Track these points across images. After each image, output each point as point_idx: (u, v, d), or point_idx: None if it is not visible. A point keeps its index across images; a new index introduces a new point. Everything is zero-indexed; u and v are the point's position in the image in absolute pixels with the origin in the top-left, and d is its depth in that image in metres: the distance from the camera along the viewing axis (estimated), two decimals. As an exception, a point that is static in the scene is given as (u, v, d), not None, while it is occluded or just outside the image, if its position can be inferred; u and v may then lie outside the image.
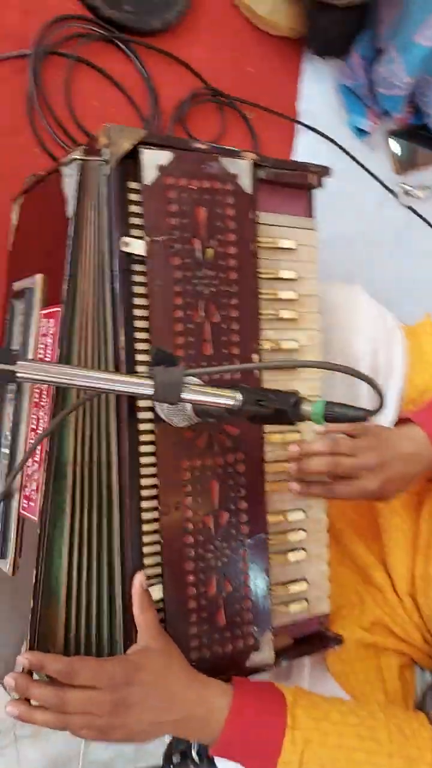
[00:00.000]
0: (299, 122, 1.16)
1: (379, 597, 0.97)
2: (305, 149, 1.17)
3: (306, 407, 0.58)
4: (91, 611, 0.68)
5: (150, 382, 0.50)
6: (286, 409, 0.58)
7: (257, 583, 0.78)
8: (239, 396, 0.56)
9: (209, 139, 1.09)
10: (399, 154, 1.28)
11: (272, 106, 1.13)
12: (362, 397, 0.90)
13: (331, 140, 1.19)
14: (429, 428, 0.80)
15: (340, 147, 1.20)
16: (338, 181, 1.10)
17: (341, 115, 1.21)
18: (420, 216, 1.31)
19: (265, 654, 0.78)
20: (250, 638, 0.77)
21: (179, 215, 0.73)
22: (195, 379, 0.62)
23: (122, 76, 1.01)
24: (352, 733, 0.68)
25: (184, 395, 0.52)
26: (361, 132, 1.22)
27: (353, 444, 0.76)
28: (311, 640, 0.85)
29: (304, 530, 0.84)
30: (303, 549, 0.83)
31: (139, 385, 0.50)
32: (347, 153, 1.21)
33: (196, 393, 0.53)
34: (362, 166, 1.23)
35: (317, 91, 1.18)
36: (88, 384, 0.48)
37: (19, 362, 0.50)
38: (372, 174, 1.25)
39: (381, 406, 0.57)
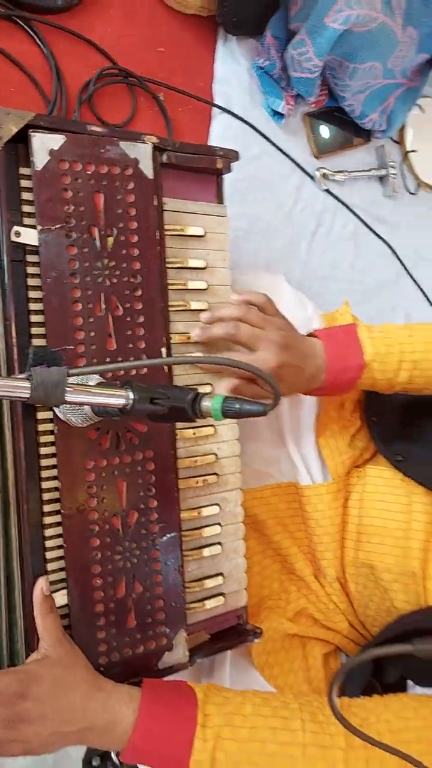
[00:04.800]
0: (214, 104, 1.13)
1: (302, 585, 0.97)
2: (221, 132, 1.13)
3: (206, 403, 0.56)
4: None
5: (26, 384, 0.47)
6: (184, 407, 0.56)
7: (170, 582, 0.76)
8: (131, 395, 0.53)
9: (119, 122, 1.04)
10: (316, 137, 1.26)
11: (185, 87, 1.09)
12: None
13: (248, 123, 1.16)
14: (326, 341, 0.83)
15: (257, 130, 1.17)
16: (255, 166, 1.07)
17: (257, 97, 1.17)
18: (338, 200, 1.30)
19: (178, 654, 0.76)
20: (162, 638, 0.75)
21: (75, 202, 0.69)
22: (91, 377, 0.60)
23: (23, 56, 0.94)
24: (265, 726, 0.67)
25: (69, 396, 0.49)
26: (277, 115, 1.20)
27: (263, 317, 0.79)
28: (229, 635, 0.84)
29: (219, 525, 0.82)
30: (219, 544, 0.82)
31: (15, 388, 0.47)
32: (264, 136, 1.18)
33: (81, 394, 0.50)
34: (280, 149, 1.20)
35: (232, 72, 1.14)
36: None
37: None
38: (290, 158, 1.22)
39: (276, 402, 0.56)
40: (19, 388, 0.47)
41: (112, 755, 0.88)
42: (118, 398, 0.52)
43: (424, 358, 0.85)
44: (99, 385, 0.53)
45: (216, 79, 1.14)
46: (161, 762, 0.67)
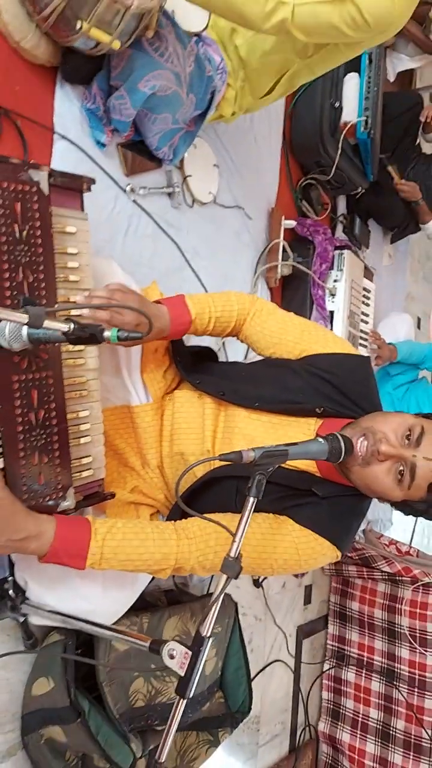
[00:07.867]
0: (56, 132, 1.51)
1: (134, 473, 1.42)
2: (61, 154, 1.53)
3: (107, 333, 1.00)
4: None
5: (25, 315, 0.86)
6: (96, 334, 0.98)
7: (62, 456, 1.17)
8: (72, 325, 0.94)
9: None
10: (126, 161, 1.71)
11: (34, 117, 1.46)
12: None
13: (80, 148, 1.56)
14: (169, 306, 1.29)
15: (86, 153, 1.58)
16: (86, 180, 1.48)
17: (86, 129, 1.58)
18: (142, 208, 1.77)
19: (69, 502, 1.18)
20: (60, 492, 1.16)
21: (3, 206, 1.06)
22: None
23: None
24: (131, 530, 1.13)
25: (45, 323, 0.89)
26: (100, 144, 1.62)
27: (124, 295, 1.20)
28: (94, 497, 1.27)
29: (89, 423, 1.24)
30: (89, 436, 1.24)
31: (20, 317, 0.86)
32: (91, 159, 1.60)
33: (51, 322, 0.91)
34: (102, 168, 1.63)
35: (68, 109, 1.53)
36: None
37: None
38: (108, 175, 1.66)
39: (150, 330, 1.02)
40: (21, 315, 0.87)
41: (9, 591, 1.25)
42: (67, 327, 0.94)
43: (221, 315, 1.36)
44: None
45: (56, 114, 1.52)
46: (71, 558, 1.09)
